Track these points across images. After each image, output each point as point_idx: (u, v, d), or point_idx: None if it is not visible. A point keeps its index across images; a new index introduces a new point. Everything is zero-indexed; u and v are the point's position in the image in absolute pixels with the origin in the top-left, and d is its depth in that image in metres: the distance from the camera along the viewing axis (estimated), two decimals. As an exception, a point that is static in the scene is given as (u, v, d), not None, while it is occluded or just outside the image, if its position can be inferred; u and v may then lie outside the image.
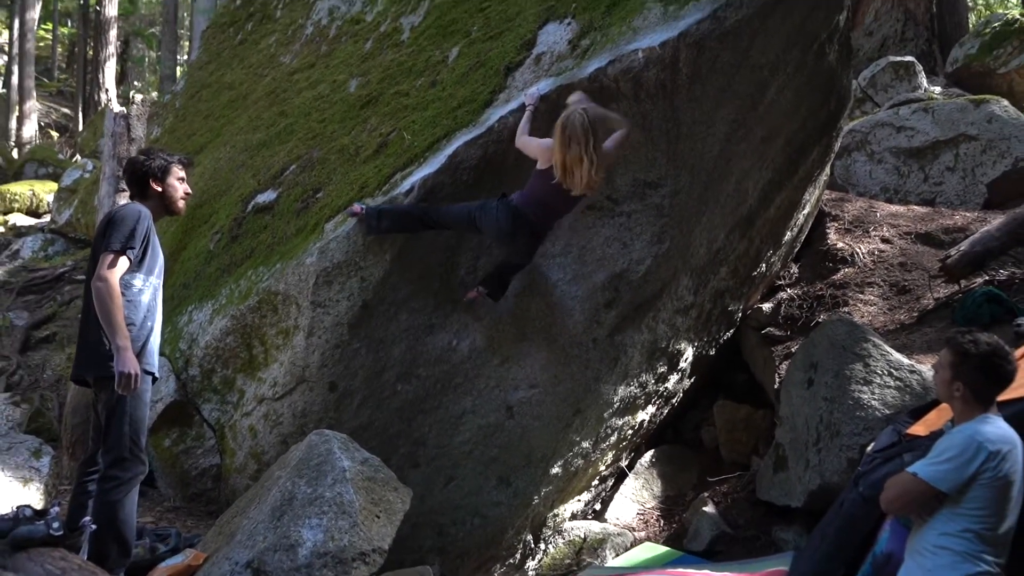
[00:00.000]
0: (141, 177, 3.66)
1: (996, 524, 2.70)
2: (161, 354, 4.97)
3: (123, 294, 3.39)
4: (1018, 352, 3.51)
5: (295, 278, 4.40)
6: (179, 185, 3.76)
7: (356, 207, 4.23)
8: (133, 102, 5.24)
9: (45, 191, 12.40)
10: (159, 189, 3.68)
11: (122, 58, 22.84)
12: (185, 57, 22.72)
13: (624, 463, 5.75)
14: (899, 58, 11.05)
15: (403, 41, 5.65)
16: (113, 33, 17.52)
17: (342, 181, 4.82)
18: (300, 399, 4.37)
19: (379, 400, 4.46)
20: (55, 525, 3.45)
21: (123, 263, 3.40)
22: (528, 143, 4.08)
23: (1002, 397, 2.90)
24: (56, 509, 3.59)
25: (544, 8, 4.83)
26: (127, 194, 5.05)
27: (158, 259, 3.66)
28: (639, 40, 4.23)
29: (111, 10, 17.22)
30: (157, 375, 3.71)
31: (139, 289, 3.52)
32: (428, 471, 4.62)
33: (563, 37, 4.60)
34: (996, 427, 2.75)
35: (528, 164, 4.41)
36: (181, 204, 3.83)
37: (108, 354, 3.34)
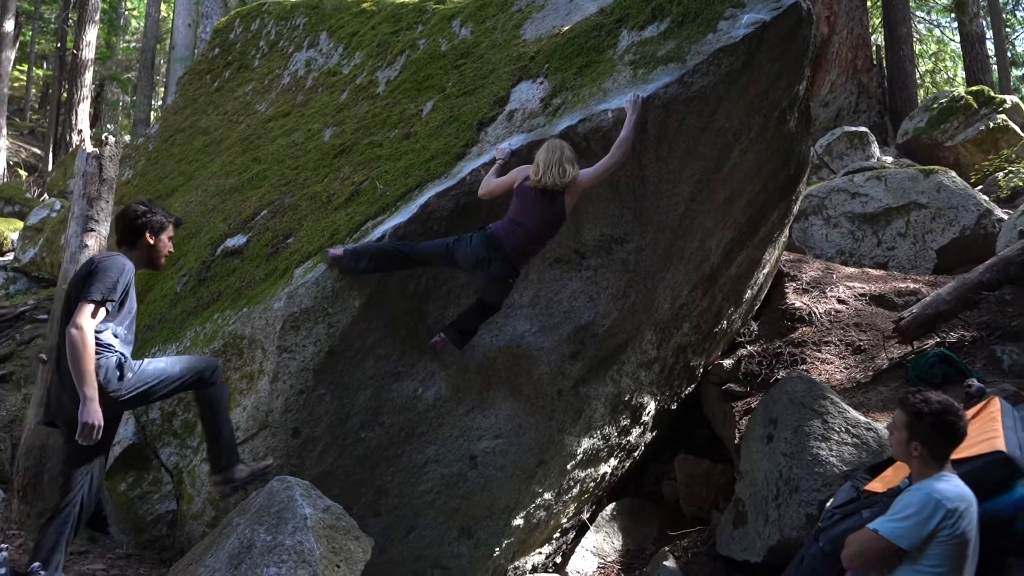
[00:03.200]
0: (140, 228, 3.71)
1: None
2: (122, 396, 4.93)
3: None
4: (970, 412, 3.64)
5: (262, 322, 4.40)
6: (168, 243, 3.85)
7: (336, 250, 4.23)
8: (107, 143, 5.25)
9: (11, 229, 12.25)
10: (152, 243, 3.74)
11: (96, 101, 22.80)
12: (160, 103, 22.77)
13: (585, 516, 5.73)
14: (853, 128, 11.54)
15: (378, 94, 5.78)
16: (89, 76, 17.53)
17: (313, 227, 4.87)
18: (262, 444, 4.33)
19: (342, 447, 4.43)
20: (2, 571, 3.36)
21: (101, 314, 3.42)
22: (498, 180, 4.23)
23: (954, 456, 3.00)
24: (3, 554, 3.50)
25: (518, 67, 5.00)
26: (94, 234, 5.06)
27: (132, 313, 3.68)
28: (609, 101, 4.38)
29: (88, 53, 17.28)
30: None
31: (108, 343, 3.52)
32: (389, 520, 4.57)
33: (535, 95, 4.75)
34: (953, 485, 2.83)
35: (499, 213, 4.52)
36: (164, 261, 3.91)
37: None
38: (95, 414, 3.27)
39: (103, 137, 5.33)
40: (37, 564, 3.32)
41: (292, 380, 4.27)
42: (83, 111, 17.95)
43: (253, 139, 6.51)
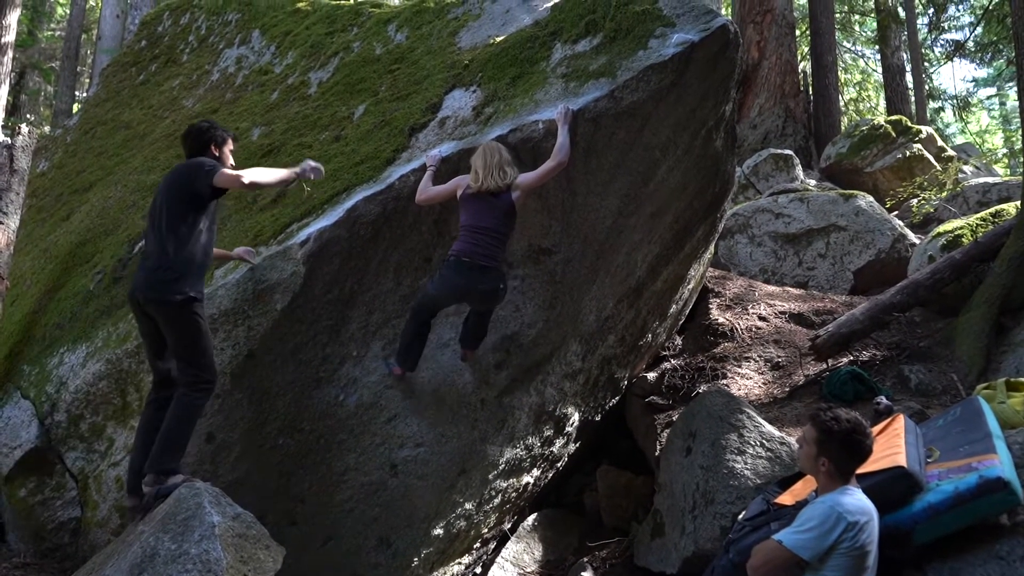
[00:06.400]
0: (206, 141, 4.04)
1: None
2: (25, 397, 4.72)
3: (194, 237, 3.78)
4: (876, 428, 3.77)
5: (179, 323, 4.26)
6: (230, 157, 4.15)
7: (396, 370, 4.46)
8: (19, 132, 5.03)
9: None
10: (216, 154, 4.05)
11: (16, 89, 21.81)
12: (84, 94, 21.95)
13: (507, 526, 5.72)
14: (779, 151, 11.91)
15: (310, 95, 5.69)
16: (8, 62, 16.71)
17: (237, 228, 4.76)
18: (174, 449, 4.18)
19: (259, 454, 4.32)
20: None
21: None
22: (438, 189, 4.25)
23: (861, 470, 3.10)
24: None
25: (451, 75, 4.99)
26: (2, 227, 4.84)
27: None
28: (540, 112, 4.41)
29: (7, 37, 16.47)
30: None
31: (201, 230, 3.87)
32: (306, 529, 4.47)
33: (468, 103, 4.75)
34: (855, 499, 2.93)
35: (426, 224, 4.50)
36: None
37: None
38: (312, 163, 4.04)
39: (17, 127, 5.11)
40: None
41: (208, 384, 4.13)
42: (-1, 98, 17.13)
43: (178, 136, 6.29)
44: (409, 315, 4.42)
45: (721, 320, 6.80)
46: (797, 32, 17.43)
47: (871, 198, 9.15)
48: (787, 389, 5.85)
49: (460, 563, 5.43)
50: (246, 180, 3.81)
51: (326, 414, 4.45)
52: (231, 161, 4.13)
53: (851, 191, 9.37)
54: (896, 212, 10.55)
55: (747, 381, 6.09)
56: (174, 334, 3.73)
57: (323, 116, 5.34)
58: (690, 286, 6.58)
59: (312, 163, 4.04)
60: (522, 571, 5.49)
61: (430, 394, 4.65)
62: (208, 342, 3.81)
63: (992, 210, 7.24)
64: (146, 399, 3.93)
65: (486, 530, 5.48)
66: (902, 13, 17.81)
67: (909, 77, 18.13)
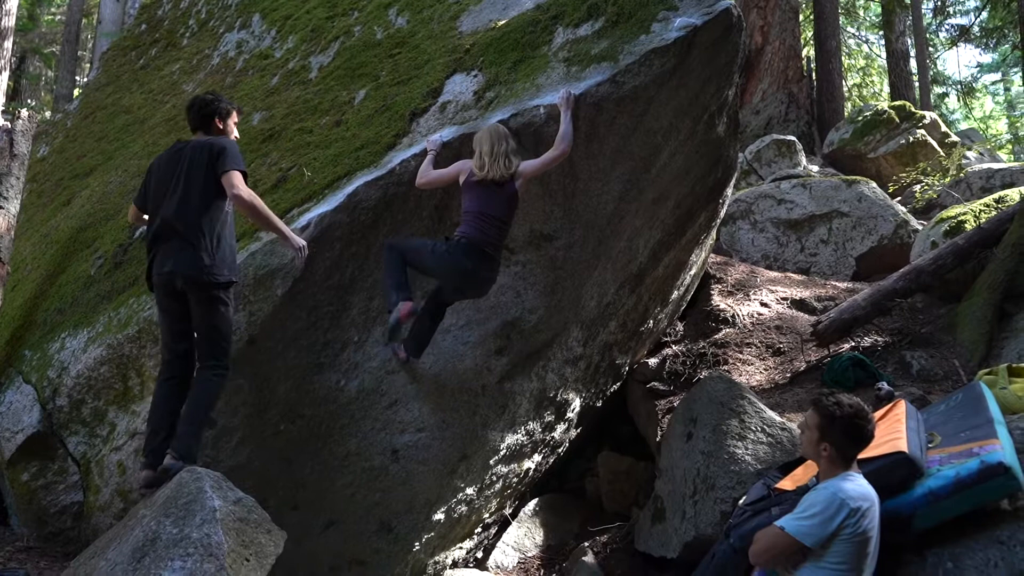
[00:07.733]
0: (210, 113, 4.01)
1: None
2: (27, 382, 4.73)
3: (225, 219, 3.84)
4: (877, 414, 3.77)
5: (180, 309, 4.26)
6: (234, 129, 4.13)
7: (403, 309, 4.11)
8: (19, 117, 5.01)
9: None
10: (220, 127, 4.04)
11: (16, 74, 21.74)
12: (84, 79, 21.88)
13: (508, 511, 5.74)
14: (782, 136, 11.86)
15: (310, 79, 5.66)
16: (8, 46, 16.64)
17: (236, 213, 4.73)
18: (175, 435, 4.19)
19: (260, 439, 4.32)
20: None
21: None
22: (439, 173, 4.22)
23: (862, 456, 3.10)
24: None
25: (452, 59, 4.96)
26: (2, 212, 4.83)
27: None
28: (542, 96, 4.38)
29: (8, 22, 16.38)
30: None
31: (229, 212, 3.93)
32: (307, 514, 4.48)
33: (469, 88, 4.72)
34: (857, 485, 2.93)
35: (427, 209, 4.48)
36: None
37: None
38: (300, 240, 3.94)
39: (17, 112, 5.09)
40: None
41: (209, 369, 4.13)
42: (0, 83, 17.07)
43: (179, 120, 6.29)
44: (387, 253, 4.25)
45: (723, 306, 6.79)
46: (801, 17, 17.31)
47: (874, 184, 9.13)
48: (788, 375, 5.85)
49: (461, 548, 5.45)
50: (246, 197, 3.73)
51: (327, 399, 4.45)
52: (235, 134, 4.14)
53: (854, 177, 9.34)
54: (899, 198, 10.52)
55: (748, 367, 6.09)
56: (209, 317, 3.75)
57: (324, 101, 5.31)
58: (692, 272, 6.57)
59: (303, 246, 3.95)
60: (523, 556, 5.52)
61: (431, 380, 4.65)
62: (232, 327, 3.88)
63: (995, 196, 7.22)
64: (160, 378, 3.90)
65: (487, 515, 5.50)
66: (907, -2, 17.66)
67: (913, 62, 18.03)
